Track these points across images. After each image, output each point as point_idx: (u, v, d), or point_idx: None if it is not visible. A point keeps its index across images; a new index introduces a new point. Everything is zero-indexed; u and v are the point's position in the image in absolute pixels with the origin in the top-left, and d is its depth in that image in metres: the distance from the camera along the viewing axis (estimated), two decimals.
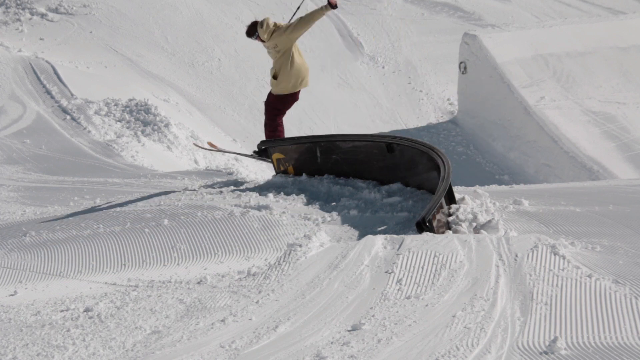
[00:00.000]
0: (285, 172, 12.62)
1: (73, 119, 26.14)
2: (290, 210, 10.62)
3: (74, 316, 7.66)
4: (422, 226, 9.34)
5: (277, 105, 12.44)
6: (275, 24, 12.04)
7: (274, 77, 12.11)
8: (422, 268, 7.95)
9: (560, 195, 11.66)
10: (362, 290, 7.68)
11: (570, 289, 7.21)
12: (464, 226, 9.87)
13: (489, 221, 9.88)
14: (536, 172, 26.36)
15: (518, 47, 28.92)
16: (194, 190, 12.39)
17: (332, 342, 6.55)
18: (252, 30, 12.14)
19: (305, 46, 33.67)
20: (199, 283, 8.42)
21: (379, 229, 10.12)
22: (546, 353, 6.11)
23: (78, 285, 8.73)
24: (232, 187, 12.26)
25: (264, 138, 12.84)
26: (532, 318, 6.72)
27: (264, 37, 11.99)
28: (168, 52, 32.48)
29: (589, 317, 6.69)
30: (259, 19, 12.21)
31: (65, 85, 27.97)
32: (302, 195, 11.33)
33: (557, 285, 7.32)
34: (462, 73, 29.18)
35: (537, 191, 12.19)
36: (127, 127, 25.73)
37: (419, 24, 35.45)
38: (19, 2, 34.29)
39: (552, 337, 6.31)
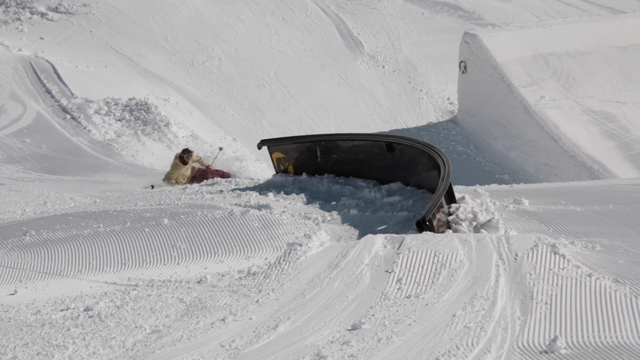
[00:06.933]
0: (285, 171, 12.62)
1: (73, 118, 26.12)
2: (290, 209, 10.62)
3: (74, 315, 7.66)
4: (422, 225, 9.33)
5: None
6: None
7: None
8: (422, 267, 7.95)
9: (561, 194, 11.65)
10: (362, 289, 7.68)
11: (571, 288, 7.21)
12: (464, 225, 9.87)
13: (489, 220, 9.88)
14: (536, 172, 26.35)
15: (518, 46, 28.90)
16: (194, 189, 12.40)
17: (332, 342, 6.54)
18: (185, 153, 17.59)
19: (305, 45, 33.69)
20: (199, 282, 8.42)
21: (379, 228, 10.12)
22: (546, 352, 6.11)
23: (78, 285, 8.74)
24: (232, 187, 12.27)
25: (263, 137, 12.89)
26: (532, 317, 6.72)
27: (187, 163, 17.35)
28: (168, 51, 32.46)
29: (589, 316, 6.68)
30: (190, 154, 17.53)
31: (65, 85, 27.95)
32: (302, 195, 11.33)
33: (557, 284, 7.31)
34: (462, 72, 29.16)
35: (537, 190, 12.19)
36: (127, 127, 25.73)
37: (419, 23, 35.43)
38: (19, 1, 34.27)
39: (552, 337, 6.31)
